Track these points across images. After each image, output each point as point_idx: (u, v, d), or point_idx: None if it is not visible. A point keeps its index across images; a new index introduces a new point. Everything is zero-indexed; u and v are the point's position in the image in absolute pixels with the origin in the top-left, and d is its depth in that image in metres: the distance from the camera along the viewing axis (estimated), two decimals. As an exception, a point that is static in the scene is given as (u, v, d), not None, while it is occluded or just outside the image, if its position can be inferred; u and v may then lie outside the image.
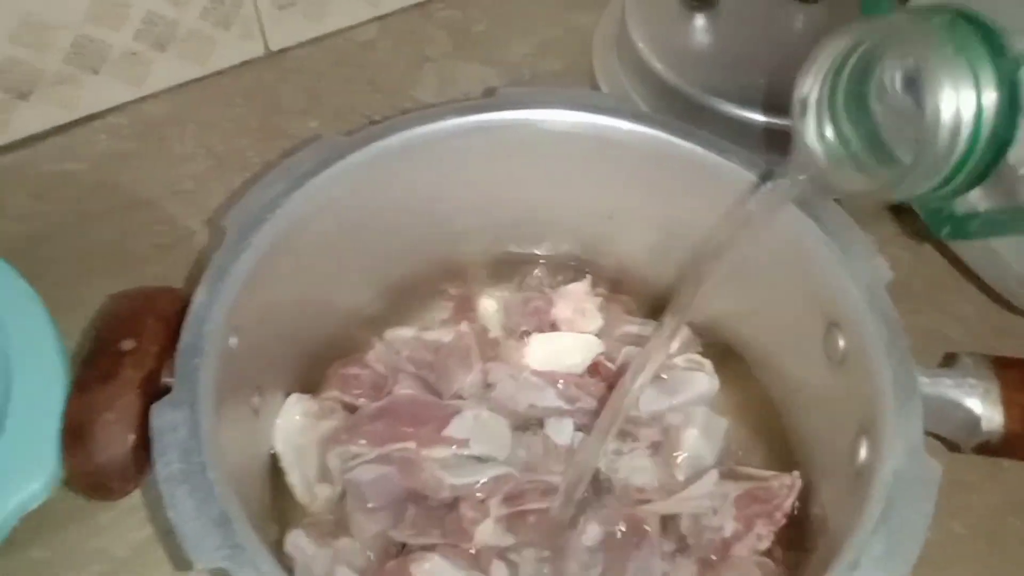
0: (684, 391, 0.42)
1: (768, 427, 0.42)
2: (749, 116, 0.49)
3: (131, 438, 0.31)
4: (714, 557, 0.37)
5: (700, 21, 0.55)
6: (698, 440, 0.40)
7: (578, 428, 0.41)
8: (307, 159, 0.38)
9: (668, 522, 0.38)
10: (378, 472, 0.38)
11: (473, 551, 0.37)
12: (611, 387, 0.42)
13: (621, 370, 0.42)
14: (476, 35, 0.61)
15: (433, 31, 0.61)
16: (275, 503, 0.38)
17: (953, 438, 0.34)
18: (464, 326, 0.43)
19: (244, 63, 0.59)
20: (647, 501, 0.38)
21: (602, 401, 0.41)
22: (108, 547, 0.40)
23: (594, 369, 0.43)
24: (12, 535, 0.34)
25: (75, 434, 0.31)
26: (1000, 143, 0.27)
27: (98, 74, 0.54)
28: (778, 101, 0.49)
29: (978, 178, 0.29)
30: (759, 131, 0.49)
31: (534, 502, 0.38)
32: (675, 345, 0.43)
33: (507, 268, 0.46)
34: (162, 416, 0.30)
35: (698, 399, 0.42)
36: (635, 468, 0.40)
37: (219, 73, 0.58)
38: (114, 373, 0.32)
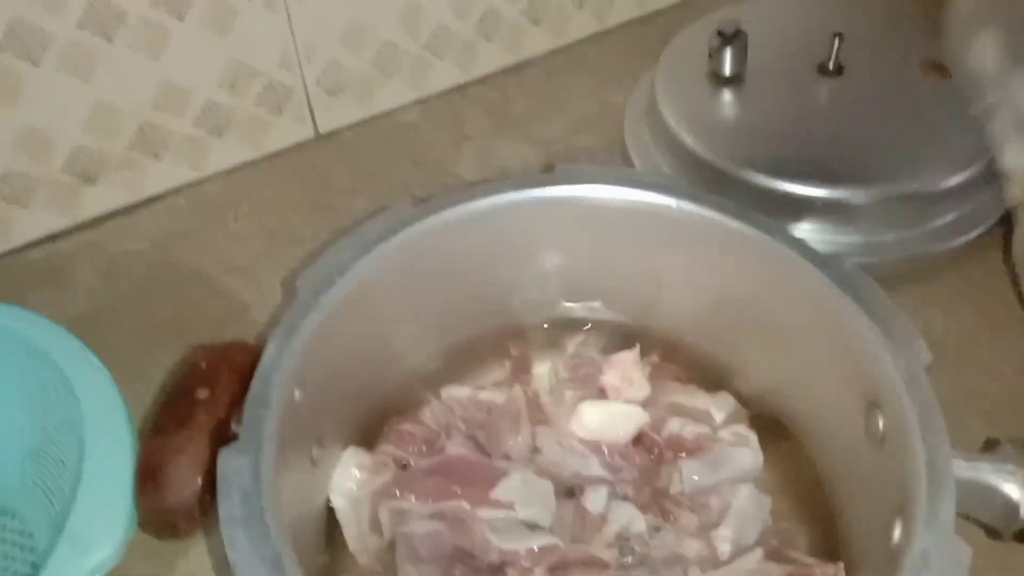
0: (728, 467, 0.42)
1: (810, 501, 0.42)
2: (776, 185, 0.51)
3: (199, 481, 0.33)
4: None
5: (727, 96, 0.57)
6: (741, 519, 0.40)
7: (622, 498, 0.42)
8: (378, 225, 0.41)
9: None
10: (430, 528, 0.39)
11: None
12: (655, 458, 0.43)
13: (666, 441, 0.43)
14: (513, 114, 0.65)
15: (472, 111, 0.65)
16: (329, 553, 0.40)
17: (992, 524, 0.35)
18: (517, 389, 0.44)
19: (296, 145, 0.62)
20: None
21: (644, 472, 0.42)
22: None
23: (639, 440, 0.44)
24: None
25: (149, 474, 0.34)
26: None
27: (160, 158, 0.58)
28: (803, 170, 0.51)
29: None
30: (785, 199, 0.51)
31: (578, 573, 0.38)
32: (721, 416, 0.44)
33: (561, 334, 0.48)
34: (227, 462, 0.32)
35: (742, 475, 0.42)
36: (676, 544, 0.40)
37: (272, 155, 0.62)
38: (188, 419, 0.34)
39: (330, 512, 0.40)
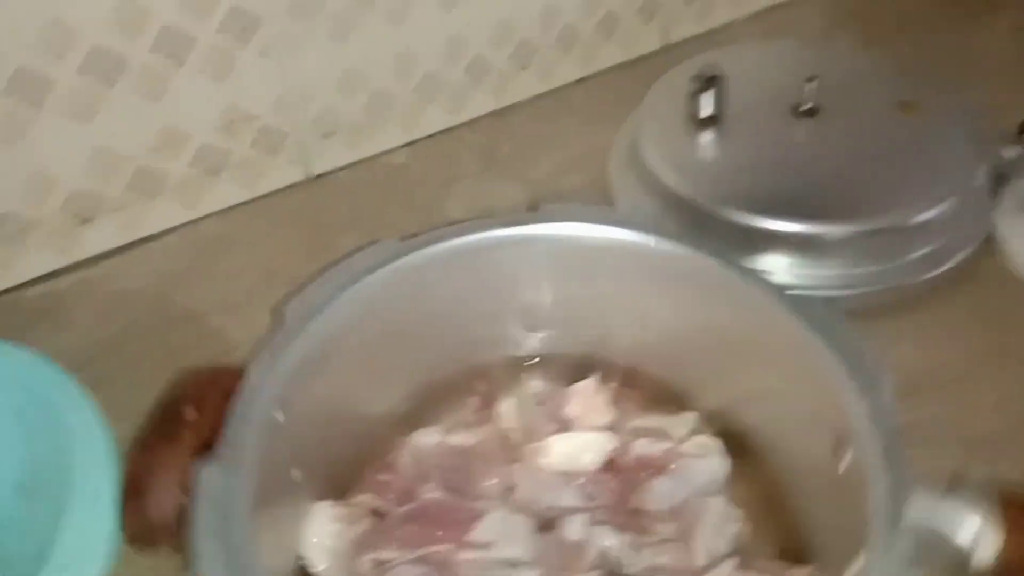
0: (697, 478, 0.43)
1: (777, 513, 0.43)
2: (754, 222, 0.53)
3: (182, 497, 0.34)
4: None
5: (706, 137, 0.59)
6: (714, 529, 0.41)
7: (599, 523, 0.42)
8: (365, 259, 0.42)
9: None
10: (416, 573, 0.40)
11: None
12: (625, 482, 0.44)
13: (636, 462, 0.44)
14: (501, 156, 0.67)
15: (461, 153, 0.67)
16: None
17: (949, 570, 0.34)
18: (488, 429, 0.45)
19: (289, 186, 0.64)
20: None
21: (618, 495, 0.43)
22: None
23: (609, 465, 0.45)
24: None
25: (133, 487, 0.34)
26: None
27: (155, 199, 0.59)
28: (780, 206, 0.53)
29: None
30: (763, 235, 0.53)
31: None
32: (682, 432, 0.45)
33: (523, 369, 0.49)
34: (204, 475, 0.33)
35: (711, 484, 0.43)
36: (654, 556, 0.41)
37: (266, 196, 0.63)
38: (174, 437, 0.35)
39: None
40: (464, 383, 0.48)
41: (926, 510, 0.33)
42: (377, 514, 0.42)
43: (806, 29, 0.78)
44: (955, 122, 0.59)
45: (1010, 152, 0.59)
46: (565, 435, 0.46)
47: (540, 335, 0.49)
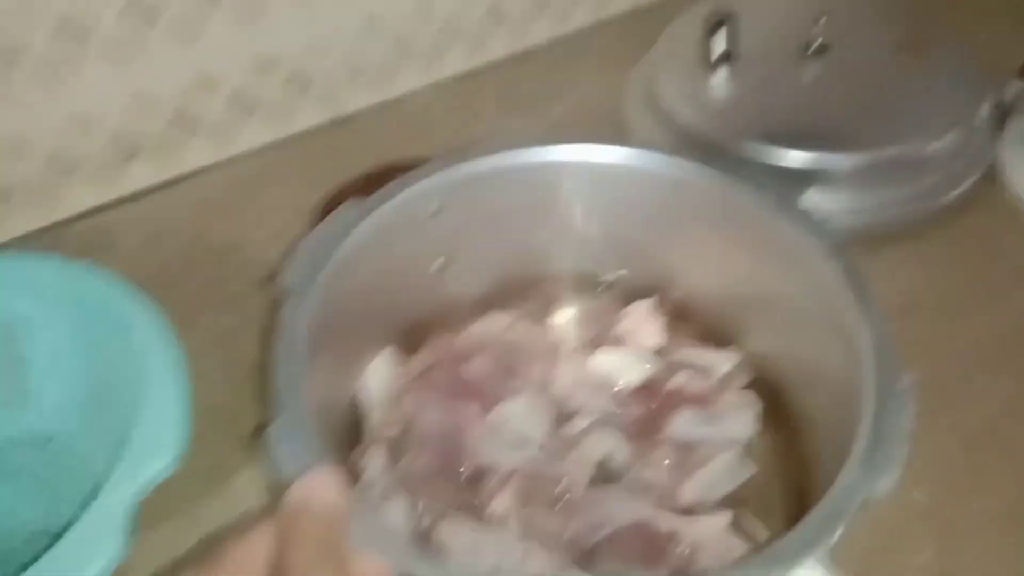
0: (721, 425, 0.45)
1: (795, 474, 0.43)
2: (767, 154, 0.55)
3: None
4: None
5: (719, 76, 0.62)
6: (714, 475, 0.43)
7: (610, 426, 0.45)
8: (444, 160, 0.46)
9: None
10: (438, 422, 0.44)
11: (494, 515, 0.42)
12: (657, 407, 0.46)
13: (670, 392, 0.46)
14: (520, 97, 0.69)
15: (482, 94, 0.69)
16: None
17: None
18: (545, 327, 0.49)
19: (317, 127, 0.67)
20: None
21: (643, 416, 0.46)
22: (218, 533, 0.46)
23: (646, 387, 0.47)
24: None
25: None
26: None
27: (193, 138, 0.62)
28: (792, 140, 0.56)
29: None
30: (776, 168, 0.55)
31: (546, 487, 0.42)
32: (725, 368, 0.47)
33: (590, 286, 0.52)
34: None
35: (732, 437, 0.44)
36: (642, 474, 0.44)
37: (296, 136, 0.66)
38: None
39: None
40: (538, 286, 0.51)
41: None
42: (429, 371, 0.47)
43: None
44: (959, 60, 0.62)
45: (1012, 89, 0.61)
46: (613, 349, 0.48)
47: (605, 260, 0.51)
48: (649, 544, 0.41)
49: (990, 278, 0.55)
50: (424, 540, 0.41)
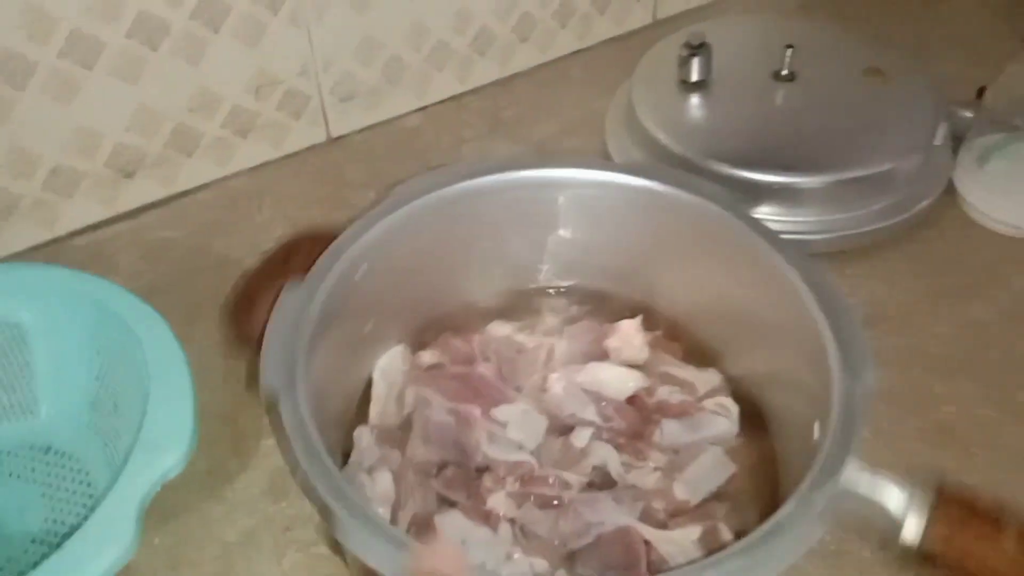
0: (704, 431, 0.48)
1: (770, 480, 0.45)
2: (739, 174, 0.59)
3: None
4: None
5: (695, 100, 0.65)
6: (702, 470, 0.46)
7: (603, 439, 0.47)
8: (473, 166, 0.51)
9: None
10: (444, 419, 0.47)
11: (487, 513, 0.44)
12: (642, 416, 0.49)
13: (656, 404, 0.49)
14: (506, 120, 0.72)
15: (469, 118, 0.72)
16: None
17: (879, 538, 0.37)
18: (543, 339, 0.52)
19: (311, 147, 0.69)
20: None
21: (631, 426, 0.48)
22: (221, 534, 0.48)
23: (632, 400, 0.49)
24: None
25: (246, 301, 0.45)
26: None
27: (191, 156, 0.65)
28: (762, 160, 0.59)
29: None
30: (747, 186, 0.59)
31: (540, 487, 0.45)
32: (706, 388, 0.50)
33: (579, 302, 0.55)
34: (289, 293, 0.43)
35: (715, 439, 0.47)
36: (639, 479, 0.46)
37: (290, 155, 0.69)
38: (277, 274, 0.45)
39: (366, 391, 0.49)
40: (534, 302, 0.55)
41: (861, 478, 0.36)
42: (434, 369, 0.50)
43: (783, 7, 0.84)
44: (919, 87, 0.66)
45: (968, 113, 0.65)
46: (604, 363, 0.51)
47: (602, 279, 0.55)
48: (627, 550, 0.43)
49: (949, 289, 0.59)
50: (419, 529, 0.43)
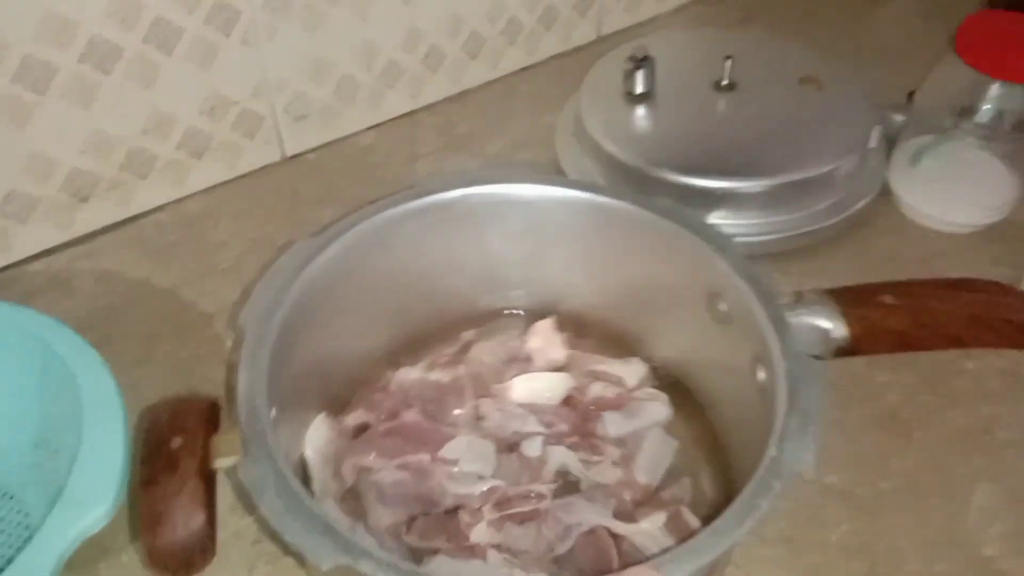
0: (643, 416, 0.50)
1: (709, 446, 0.50)
2: (684, 180, 0.61)
3: (202, 515, 0.36)
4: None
5: (640, 111, 0.67)
6: (653, 452, 0.48)
7: (554, 444, 0.49)
8: (289, 261, 0.46)
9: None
10: (396, 476, 0.47)
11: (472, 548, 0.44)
12: (581, 415, 0.50)
13: (591, 401, 0.51)
14: (458, 136, 0.74)
15: (422, 134, 0.74)
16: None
17: (817, 352, 0.43)
18: (460, 368, 0.52)
19: (266, 166, 0.70)
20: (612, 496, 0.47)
21: (574, 425, 0.50)
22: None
23: (567, 401, 0.51)
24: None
25: (154, 521, 0.36)
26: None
27: (146, 179, 0.65)
28: (705, 167, 0.61)
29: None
30: (692, 192, 0.61)
31: (517, 506, 0.46)
32: (634, 381, 0.52)
33: (490, 319, 0.55)
34: (250, 472, 0.37)
35: (654, 424, 0.50)
36: (601, 474, 0.48)
37: (245, 175, 0.69)
38: (174, 465, 0.37)
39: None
40: (444, 329, 0.54)
41: (793, 315, 0.43)
42: (362, 430, 0.49)
43: (723, 21, 0.87)
44: (852, 93, 0.69)
45: (899, 117, 0.68)
46: (528, 375, 0.52)
47: (503, 292, 0.56)
48: (598, 551, 0.44)
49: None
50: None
